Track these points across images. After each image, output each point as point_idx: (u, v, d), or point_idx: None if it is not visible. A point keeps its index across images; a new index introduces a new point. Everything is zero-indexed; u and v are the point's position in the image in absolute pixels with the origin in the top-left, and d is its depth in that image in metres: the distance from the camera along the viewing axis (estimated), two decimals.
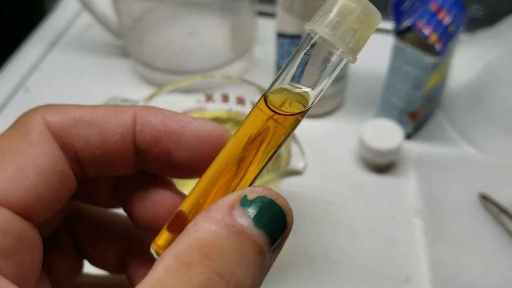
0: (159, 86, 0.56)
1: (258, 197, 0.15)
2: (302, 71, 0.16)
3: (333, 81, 0.19)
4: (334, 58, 0.16)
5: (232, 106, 0.40)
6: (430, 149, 0.49)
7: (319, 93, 0.17)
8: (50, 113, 0.16)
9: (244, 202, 0.14)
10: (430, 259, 0.41)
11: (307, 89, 0.17)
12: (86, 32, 0.64)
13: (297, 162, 0.34)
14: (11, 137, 0.15)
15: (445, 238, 0.42)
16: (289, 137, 0.18)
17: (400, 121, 0.48)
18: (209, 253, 0.13)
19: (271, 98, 0.17)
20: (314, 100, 0.17)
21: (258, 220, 0.14)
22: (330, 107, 0.52)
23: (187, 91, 0.40)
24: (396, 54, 0.45)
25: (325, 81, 0.17)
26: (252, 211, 0.14)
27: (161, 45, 0.55)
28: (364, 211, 0.44)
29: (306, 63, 0.16)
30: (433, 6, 0.44)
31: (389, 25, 0.45)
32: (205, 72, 0.54)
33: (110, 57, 0.60)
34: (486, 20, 0.61)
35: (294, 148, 0.35)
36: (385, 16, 0.63)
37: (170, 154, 0.17)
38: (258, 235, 0.14)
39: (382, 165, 0.47)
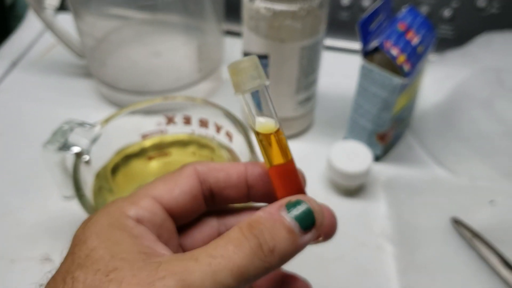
0: (122, 107, 0.54)
1: (297, 200, 0.22)
2: (259, 105, 0.23)
3: (302, 102, 0.42)
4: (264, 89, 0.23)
5: (195, 128, 0.39)
6: (400, 172, 0.48)
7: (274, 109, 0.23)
8: (199, 163, 0.25)
9: (288, 204, 0.22)
10: (402, 286, 0.39)
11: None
12: (49, 52, 0.62)
13: None
14: (175, 173, 0.25)
15: (417, 264, 0.40)
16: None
17: (369, 143, 0.47)
18: (253, 226, 0.21)
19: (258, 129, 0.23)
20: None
21: (291, 212, 0.22)
22: (298, 128, 0.51)
23: (147, 113, 0.38)
24: (364, 75, 0.44)
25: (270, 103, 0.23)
26: (290, 208, 0.22)
27: (124, 65, 0.53)
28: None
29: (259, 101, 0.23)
30: (401, 26, 0.43)
31: (357, 45, 0.44)
32: (170, 93, 0.52)
33: (72, 78, 0.58)
34: (455, 40, 0.61)
35: None
36: (352, 36, 0.63)
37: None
38: (289, 221, 0.21)
39: (352, 189, 0.45)
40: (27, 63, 0.60)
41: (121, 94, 0.53)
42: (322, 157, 0.48)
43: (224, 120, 0.36)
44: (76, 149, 0.33)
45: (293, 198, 0.23)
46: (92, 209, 0.30)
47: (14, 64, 0.60)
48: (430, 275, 0.40)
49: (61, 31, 0.54)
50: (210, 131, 0.39)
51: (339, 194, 0.46)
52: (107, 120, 0.35)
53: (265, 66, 0.45)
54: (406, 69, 0.42)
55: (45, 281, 0.22)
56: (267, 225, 0.21)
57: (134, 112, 0.37)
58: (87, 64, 0.57)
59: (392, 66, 0.42)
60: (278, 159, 0.24)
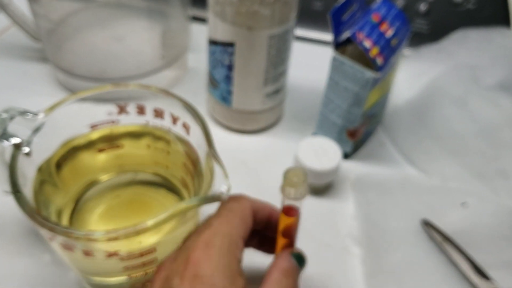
0: (96, 100, 0.50)
1: (297, 253, 0.32)
2: None
3: (270, 94, 0.46)
4: None
5: (149, 119, 0.35)
6: (370, 170, 0.46)
7: None
8: (253, 201, 0.31)
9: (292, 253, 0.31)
10: None
11: None
12: (2, 35, 0.57)
13: (220, 186, 0.30)
14: (240, 207, 0.30)
15: (385, 268, 0.38)
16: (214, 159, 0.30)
17: (339, 139, 0.45)
18: (284, 273, 0.29)
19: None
20: None
21: (296, 261, 0.31)
22: (266, 122, 0.48)
23: (97, 101, 0.34)
24: (335, 67, 0.41)
25: None
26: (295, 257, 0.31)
27: (82, 50, 0.50)
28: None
29: None
30: (375, 17, 0.41)
31: (329, 36, 0.42)
32: (132, 80, 0.49)
33: (27, 62, 0.54)
34: (430, 35, 0.59)
35: (218, 170, 0.30)
36: (325, 27, 0.60)
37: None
38: (297, 267, 0.31)
39: (319, 187, 0.43)
40: None
41: (78, 81, 0.50)
42: (290, 153, 0.45)
43: (181, 111, 0.33)
44: (14, 140, 0.30)
45: (294, 249, 0.32)
46: (29, 208, 0.26)
47: None
48: (397, 279, 0.38)
49: (15, 12, 0.50)
50: (166, 122, 0.35)
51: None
52: (52, 108, 0.32)
53: (230, 55, 0.42)
54: (379, 63, 0.39)
55: None
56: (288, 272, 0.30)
57: (82, 100, 0.33)
58: (43, 48, 0.53)
59: (364, 60, 0.40)
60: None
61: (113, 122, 0.35)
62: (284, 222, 0.31)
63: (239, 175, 0.44)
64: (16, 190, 0.27)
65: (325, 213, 0.42)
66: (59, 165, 0.33)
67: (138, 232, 0.26)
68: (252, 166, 0.45)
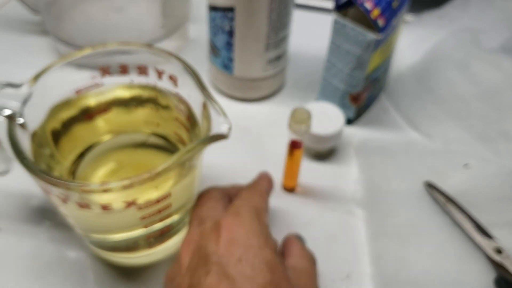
0: (81, 67, 0.50)
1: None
2: None
3: (271, 61, 0.46)
4: None
5: (133, 77, 0.35)
6: (373, 135, 0.46)
7: None
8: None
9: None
10: (372, 253, 0.37)
11: None
12: (1, 9, 0.57)
13: (219, 126, 0.29)
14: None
15: (388, 230, 0.39)
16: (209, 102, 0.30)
17: (342, 104, 0.45)
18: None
19: None
20: None
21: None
22: (269, 89, 0.48)
23: (79, 66, 0.34)
24: (337, 31, 0.41)
25: None
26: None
27: (82, 21, 0.49)
28: (300, 201, 0.40)
29: None
30: None
31: (329, 3, 0.42)
32: None
33: (27, 35, 0.54)
34: (432, 0, 0.59)
35: (214, 113, 0.30)
36: None
37: None
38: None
39: (323, 152, 0.43)
40: None
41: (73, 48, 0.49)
42: None
43: (166, 63, 0.33)
44: (6, 112, 0.30)
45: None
46: (41, 171, 0.27)
47: None
48: (401, 242, 0.38)
49: None
50: (151, 78, 0.35)
51: (310, 158, 0.43)
52: (36, 78, 0.32)
53: (230, 20, 0.42)
54: (381, 24, 0.39)
55: None
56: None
57: (64, 66, 0.33)
58: (42, 21, 0.53)
59: (366, 22, 0.40)
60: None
61: (97, 85, 0.35)
62: (290, 154, 0.38)
63: (243, 143, 0.44)
64: (23, 157, 0.27)
65: (328, 177, 0.42)
66: (54, 136, 0.33)
67: (152, 178, 0.26)
68: (255, 133, 0.45)
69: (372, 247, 0.38)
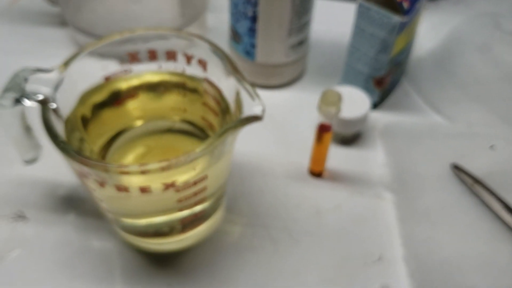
0: (102, 56, 0.50)
1: None
2: None
3: (294, 46, 0.45)
4: None
5: (162, 63, 0.35)
6: (396, 119, 0.46)
7: None
8: None
9: None
10: (403, 235, 0.37)
11: None
12: (18, 1, 0.57)
13: (251, 108, 0.29)
14: None
15: (418, 212, 0.39)
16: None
17: (366, 88, 0.44)
18: None
19: None
20: None
21: None
22: (291, 76, 0.48)
23: (108, 52, 0.34)
24: (361, 14, 0.41)
25: None
26: None
27: (101, 11, 0.49)
28: (328, 186, 0.40)
29: None
30: None
31: None
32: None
33: (45, 27, 0.54)
34: None
35: (245, 95, 0.30)
36: None
37: None
38: None
39: (348, 136, 0.43)
40: None
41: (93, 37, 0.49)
42: (315, 106, 0.45)
43: (194, 47, 0.33)
44: (39, 97, 0.29)
45: None
46: (77, 154, 0.26)
47: None
48: (431, 223, 0.38)
49: None
50: (180, 64, 0.35)
51: (335, 143, 0.43)
52: (66, 64, 0.31)
53: (254, 6, 0.41)
54: (406, 6, 0.39)
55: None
56: None
57: (93, 52, 0.33)
58: (61, 12, 0.53)
59: (390, 5, 0.39)
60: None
61: (126, 71, 0.34)
62: (319, 138, 0.38)
63: (266, 129, 0.44)
64: (59, 140, 0.27)
65: (355, 162, 0.42)
66: (84, 121, 0.33)
67: (191, 159, 0.26)
68: (278, 120, 0.45)
69: (402, 229, 0.38)
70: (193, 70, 0.35)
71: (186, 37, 0.33)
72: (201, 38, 0.33)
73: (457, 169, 0.41)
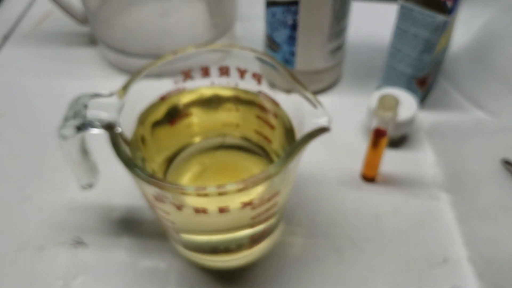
0: (154, 76, 0.50)
1: None
2: None
3: (333, 51, 0.45)
4: None
5: (214, 79, 0.35)
6: (441, 118, 0.46)
7: None
8: None
9: None
10: (464, 235, 0.37)
11: None
12: (43, 22, 0.57)
13: (316, 119, 0.29)
14: None
15: (475, 210, 0.38)
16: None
17: (409, 89, 0.44)
18: None
19: None
20: None
21: None
22: (329, 81, 0.48)
23: (161, 73, 0.33)
24: (403, 15, 0.41)
25: None
26: None
27: (132, 27, 0.49)
28: (382, 190, 0.40)
29: None
30: None
31: None
32: None
33: (74, 47, 0.54)
34: None
35: (307, 106, 0.30)
36: None
37: None
38: None
39: (395, 138, 0.43)
40: (20, 36, 0.56)
41: (131, 59, 0.49)
42: (357, 109, 0.45)
43: (247, 61, 0.33)
44: (104, 122, 0.29)
45: None
46: (154, 177, 0.26)
47: (5, 38, 0.55)
48: (491, 220, 0.38)
49: None
50: (232, 78, 0.35)
51: None
52: (125, 88, 0.31)
53: (294, 14, 0.41)
54: (450, 5, 0.39)
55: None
56: None
57: (148, 75, 0.32)
58: (91, 30, 0.52)
59: (431, 4, 0.39)
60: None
61: (179, 90, 0.34)
62: (375, 143, 0.38)
63: None
64: (133, 164, 0.27)
65: (404, 164, 0.42)
66: (143, 141, 0.33)
67: (267, 177, 0.26)
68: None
69: (463, 229, 0.37)
70: (247, 83, 0.34)
71: (241, 52, 0.33)
72: (257, 52, 0.33)
73: (509, 164, 0.41)
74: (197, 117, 0.36)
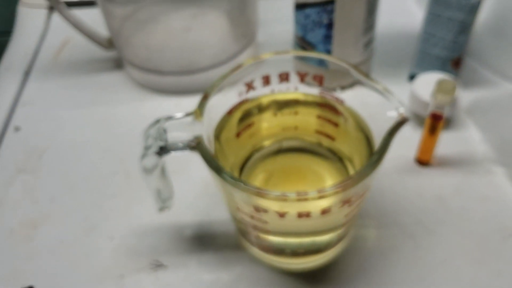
0: (167, 92, 0.50)
1: None
2: None
3: (367, 44, 0.46)
4: None
5: (274, 86, 0.35)
6: (476, 95, 0.47)
7: None
8: None
9: None
10: None
11: None
12: (62, 52, 0.56)
13: (391, 111, 0.30)
14: None
15: None
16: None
17: (444, 71, 0.45)
18: None
19: None
20: None
21: None
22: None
23: (224, 87, 0.34)
24: (436, 1, 0.42)
25: None
26: None
27: (157, 45, 0.49)
28: (440, 172, 0.41)
29: None
30: None
31: None
32: (217, 67, 0.49)
33: (100, 72, 0.54)
34: None
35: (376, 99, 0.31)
36: None
37: None
38: None
39: None
40: (42, 68, 0.55)
41: (160, 77, 0.49)
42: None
43: (305, 65, 0.34)
44: (192, 144, 0.29)
45: None
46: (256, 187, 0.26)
47: (27, 74, 0.55)
48: None
49: (82, 24, 0.49)
50: (292, 83, 0.35)
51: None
52: (201, 108, 0.31)
53: (330, 13, 0.42)
54: None
55: None
56: None
57: (218, 91, 0.33)
58: (117, 53, 0.52)
59: None
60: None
61: (243, 101, 0.35)
62: (431, 127, 0.39)
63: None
64: (236, 179, 0.27)
65: (454, 144, 0.43)
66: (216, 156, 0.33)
67: (361, 178, 0.27)
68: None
69: None
70: (307, 86, 0.35)
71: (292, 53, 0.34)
72: (315, 54, 0.33)
73: None
74: (256, 127, 0.37)
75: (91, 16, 0.54)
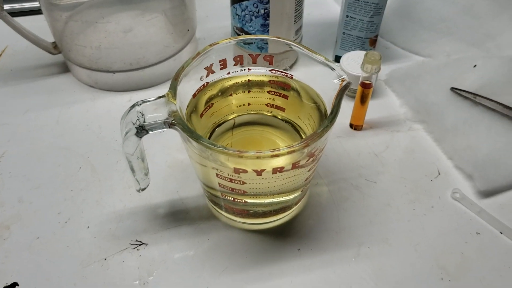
0: (117, 90, 0.53)
1: None
2: None
3: (297, 31, 0.52)
4: None
5: (230, 69, 0.40)
6: (391, 68, 0.55)
7: None
8: None
9: None
10: (446, 151, 0.46)
11: None
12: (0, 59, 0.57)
13: (337, 79, 0.36)
14: None
15: (446, 130, 0.47)
16: None
17: (364, 49, 0.52)
18: None
19: None
20: None
21: None
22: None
23: (188, 72, 0.38)
24: None
25: None
26: None
27: (103, 46, 0.51)
28: (371, 133, 0.48)
29: None
30: None
31: None
32: (163, 62, 0.52)
33: (47, 77, 0.55)
34: None
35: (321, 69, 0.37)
36: None
37: None
38: None
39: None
40: None
41: (111, 75, 0.52)
42: (323, 75, 0.52)
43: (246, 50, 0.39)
44: (169, 120, 0.33)
45: None
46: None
47: None
48: (462, 133, 0.46)
49: (27, 30, 0.50)
50: (245, 65, 0.40)
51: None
52: (172, 90, 0.34)
53: (265, 3, 0.47)
54: None
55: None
56: None
57: (183, 76, 0.36)
58: (63, 55, 0.54)
59: None
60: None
61: (204, 86, 0.39)
62: (361, 95, 0.45)
63: None
64: (218, 145, 0.31)
65: (377, 110, 0.50)
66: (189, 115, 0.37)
67: (321, 134, 0.32)
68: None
69: (443, 147, 0.46)
70: (258, 66, 0.40)
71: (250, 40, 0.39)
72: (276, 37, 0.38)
73: (457, 90, 0.50)
74: (216, 107, 0.41)
75: (33, 23, 0.55)
